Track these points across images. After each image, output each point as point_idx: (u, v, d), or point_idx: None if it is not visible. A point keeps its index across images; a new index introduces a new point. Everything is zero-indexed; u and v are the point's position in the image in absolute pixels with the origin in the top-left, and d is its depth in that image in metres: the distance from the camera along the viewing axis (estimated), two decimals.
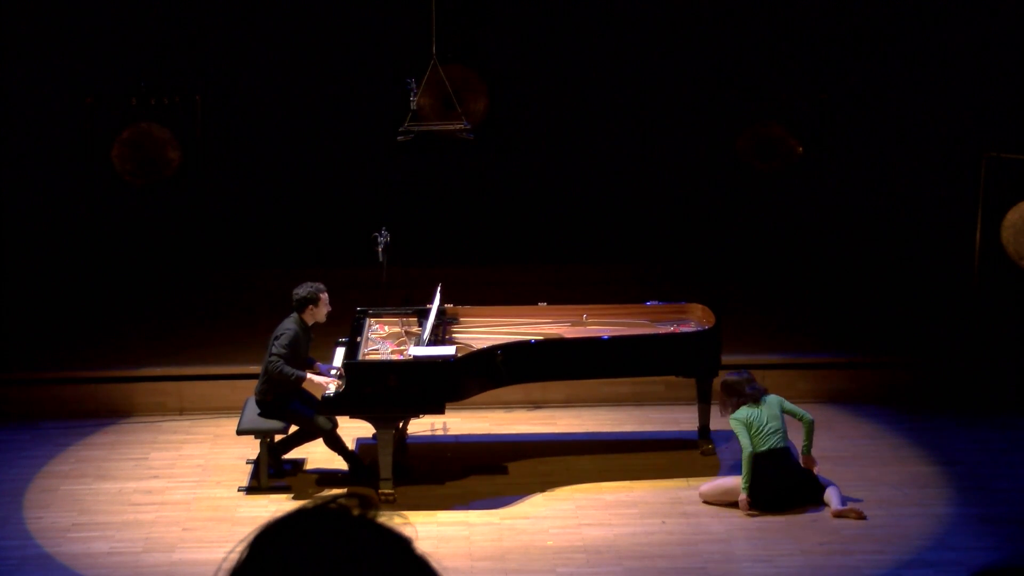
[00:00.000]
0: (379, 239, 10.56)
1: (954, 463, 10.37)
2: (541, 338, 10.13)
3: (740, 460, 9.50)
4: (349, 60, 13.98)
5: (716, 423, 10.17)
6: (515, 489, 9.93)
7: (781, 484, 9.47)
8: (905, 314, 12.72)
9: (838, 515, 9.40)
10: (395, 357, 9.84)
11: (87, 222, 13.60)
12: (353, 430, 10.33)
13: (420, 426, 10.75)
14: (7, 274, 13.33)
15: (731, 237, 14.08)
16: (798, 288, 13.34)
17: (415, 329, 10.35)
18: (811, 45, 13.94)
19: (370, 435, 10.03)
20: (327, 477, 10.12)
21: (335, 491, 9.74)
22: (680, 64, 14.07)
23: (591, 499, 9.77)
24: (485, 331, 10.42)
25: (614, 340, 10.07)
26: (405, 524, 1.78)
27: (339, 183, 14.14)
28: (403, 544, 1.76)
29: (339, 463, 9.98)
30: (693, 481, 9.94)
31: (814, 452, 9.74)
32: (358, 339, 10.03)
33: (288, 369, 9.55)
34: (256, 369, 9.97)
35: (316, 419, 9.71)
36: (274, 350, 9.62)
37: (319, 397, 9.63)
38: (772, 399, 9.64)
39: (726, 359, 10.29)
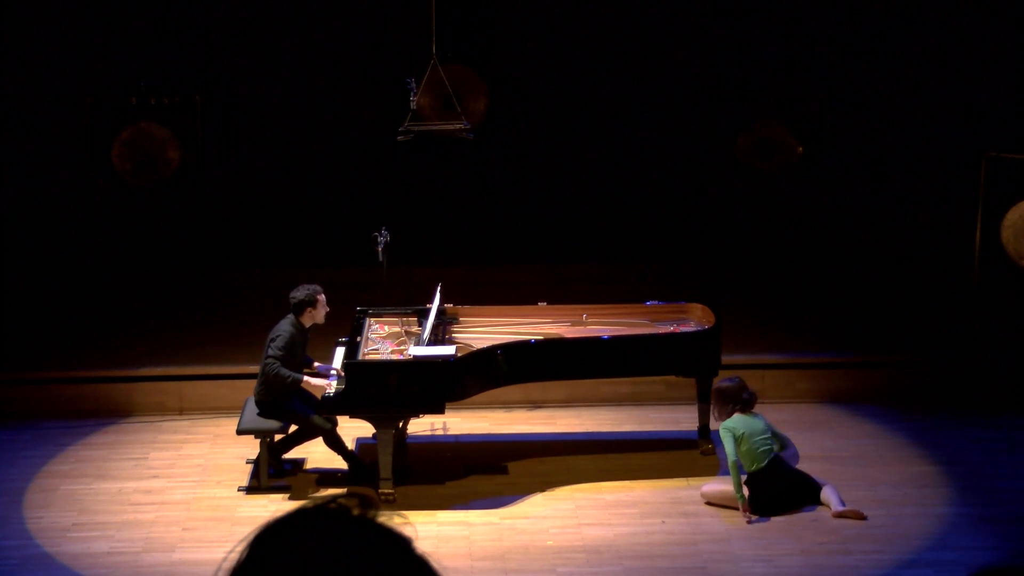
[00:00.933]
0: (379, 239, 10.55)
1: (954, 463, 10.36)
2: (541, 338, 10.13)
3: (739, 462, 9.50)
4: (349, 60, 13.98)
5: (716, 423, 10.17)
6: (515, 489, 9.93)
7: (778, 491, 9.48)
8: (905, 314, 12.71)
9: (838, 515, 9.40)
10: (395, 357, 9.84)
11: (87, 222, 13.60)
12: (353, 430, 10.33)
13: (420, 426, 10.75)
14: (7, 274, 13.33)
15: (731, 237, 14.07)
16: (798, 288, 13.33)
17: (415, 329, 10.35)
18: (811, 45, 13.93)
19: (370, 435, 10.03)
20: (327, 477, 10.12)
21: (335, 491, 9.74)
22: (680, 64, 14.06)
23: (591, 499, 9.77)
24: (485, 331, 10.41)
25: (614, 340, 10.07)
26: (405, 524, 1.78)
27: (339, 183, 14.13)
28: (403, 544, 1.76)
29: (339, 463, 9.98)
30: (693, 481, 9.93)
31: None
32: (358, 339, 10.03)
33: (284, 371, 9.55)
34: (256, 369, 9.97)
35: (314, 418, 9.71)
36: (270, 352, 9.62)
37: (319, 397, 9.64)
38: (759, 418, 9.61)
39: (726, 359, 10.29)
